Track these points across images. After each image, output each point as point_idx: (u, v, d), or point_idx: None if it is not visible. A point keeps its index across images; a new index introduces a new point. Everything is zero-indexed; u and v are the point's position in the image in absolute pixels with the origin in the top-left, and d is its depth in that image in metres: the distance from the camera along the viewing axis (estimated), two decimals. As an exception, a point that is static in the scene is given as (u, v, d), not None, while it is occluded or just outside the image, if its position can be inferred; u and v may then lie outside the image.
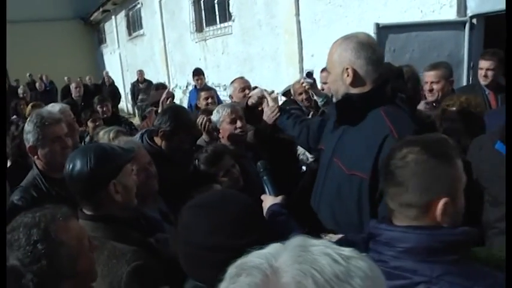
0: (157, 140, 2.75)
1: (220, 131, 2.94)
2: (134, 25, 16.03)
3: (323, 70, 4.35)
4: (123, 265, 1.47)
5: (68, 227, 1.31)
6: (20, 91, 8.07)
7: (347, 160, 1.91)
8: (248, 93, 3.83)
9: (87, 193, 1.65)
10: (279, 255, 0.65)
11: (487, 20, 4.52)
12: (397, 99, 2.02)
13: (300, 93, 4.31)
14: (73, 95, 7.92)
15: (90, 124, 4.93)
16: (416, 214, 1.26)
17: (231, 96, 4.24)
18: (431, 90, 3.39)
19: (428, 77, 3.42)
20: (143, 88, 10.67)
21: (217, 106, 3.08)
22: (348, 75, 1.88)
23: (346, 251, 0.66)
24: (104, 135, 3.36)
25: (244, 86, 4.06)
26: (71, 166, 1.65)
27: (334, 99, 2.12)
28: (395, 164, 1.28)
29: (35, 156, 2.43)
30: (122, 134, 3.26)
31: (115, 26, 17.95)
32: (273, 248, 0.68)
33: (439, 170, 1.25)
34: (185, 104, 8.15)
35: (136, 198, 1.81)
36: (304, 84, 3.62)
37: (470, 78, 4.57)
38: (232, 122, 2.88)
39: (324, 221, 2.03)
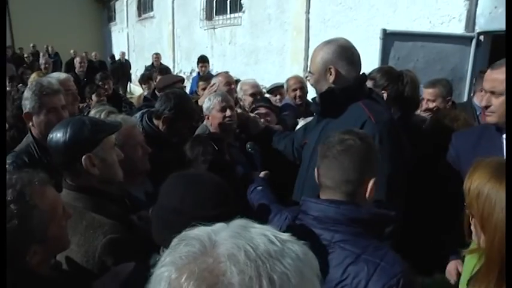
0: (157, 122, 2.76)
1: (210, 118, 2.96)
2: (145, 6, 16.00)
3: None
4: (99, 236, 1.50)
5: (43, 192, 1.33)
6: (42, 61, 8.03)
7: None
8: (232, 88, 4.07)
9: (64, 164, 1.68)
10: (220, 231, 0.70)
11: (494, 38, 4.52)
12: (373, 94, 2.24)
13: (294, 89, 4.33)
14: (76, 70, 7.91)
15: (94, 98, 4.95)
16: (352, 189, 1.48)
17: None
18: (427, 109, 3.37)
19: (426, 94, 3.41)
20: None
21: (209, 95, 3.10)
22: (330, 74, 2.12)
23: (284, 235, 0.72)
24: (96, 115, 3.38)
25: (229, 80, 4.17)
26: (51, 137, 1.69)
27: (316, 100, 2.31)
28: (337, 148, 1.49)
29: (30, 123, 2.45)
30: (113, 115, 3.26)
31: (126, 5, 17.90)
32: (216, 225, 0.73)
33: (371, 155, 1.52)
34: (187, 90, 8.17)
35: (126, 175, 1.83)
36: (308, 79, 3.67)
37: (471, 95, 4.57)
38: (222, 110, 2.89)
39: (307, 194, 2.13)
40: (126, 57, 15.47)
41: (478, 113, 3.56)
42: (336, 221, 1.44)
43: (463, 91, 4.54)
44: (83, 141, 1.66)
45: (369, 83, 2.67)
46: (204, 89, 4.65)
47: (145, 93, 6.30)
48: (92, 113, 3.45)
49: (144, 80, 6.83)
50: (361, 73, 2.20)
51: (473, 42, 4.44)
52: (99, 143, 1.69)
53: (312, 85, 2.29)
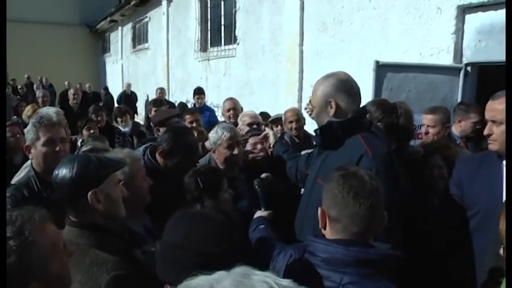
0: (158, 157, 2.79)
1: (216, 152, 2.98)
2: (140, 38, 16.25)
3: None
4: (103, 273, 1.50)
5: (43, 228, 1.33)
6: (39, 94, 8.08)
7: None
8: (233, 113, 4.61)
9: (69, 200, 1.70)
10: (221, 279, 0.72)
11: (481, 68, 4.69)
12: (373, 127, 2.27)
13: (291, 122, 4.46)
14: (70, 101, 7.98)
15: (85, 132, 4.99)
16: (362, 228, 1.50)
17: (223, 114, 4.81)
18: (426, 133, 3.49)
19: (426, 120, 3.52)
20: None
21: (216, 126, 3.12)
22: (331, 107, 2.17)
23: (285, 281, 0.73)
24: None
25: (230, 107, 4.75)
26: (56, 173, 1.71)
27: (317, 131, 2.34)
28: (349, 191, 1.51)
29: (30, 156, 2.48)
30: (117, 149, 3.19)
31: (120, 37, 18.18)
32: (218, 273, 0.74)
33: (380, 195, 1.54)
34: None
35: (128, 209, 1.85)
36: (307, 111, 3.79)
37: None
38: (230, 147, 2.90)
39: (308, 228, 2.15)
40: (121, 88, 15.60)
41: (457, 142, 3.71)
42: (344, 262, 1.45)
43: (453, 120, 4.66)
44: (90, 177, 1.68)
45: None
46: (191, 122, 4.69)
47: (124, 129, 6.23)
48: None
49: (121, 113, 6.56)
50: (361, 106, 2.26)
51: (461, 73, 4.58)
52: (105, 179, 1.72)
53: (312, 118, 2.36)
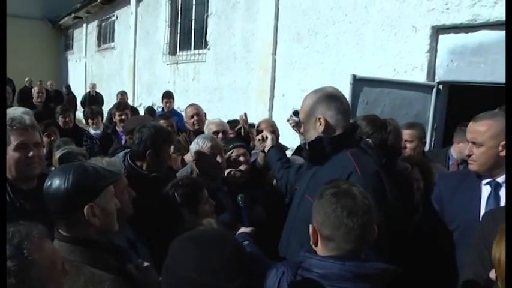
0: (140, 163, 2.73)
1: (197, 163, 2.95)
2: (105, 37, 15.89)
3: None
4: None
5: (43, 246, 1.26)
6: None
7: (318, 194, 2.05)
8: (197, 119, 4.56)
9: (62, 213, 1.59)
10: None
11: (452, 87, 4.84)
12: (362, 143, 2.27)
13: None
14: (34, 100, 7.67)
15: (45, 139, 4.62)
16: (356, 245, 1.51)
17: (185, 122, 4.77)
18: (404, 148, 3.53)
19: (404, 135, 3.56)
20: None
21: (197, 137, 3.08)
22: (320, 124, 2.14)
23: None
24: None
25: (193, 113, 4.69)
26: (49, 183, 1.59)
27: (306, 146, 2.33)
28: (342, 211, 1.50)
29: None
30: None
31: (85, 35, 17.71)
32: None
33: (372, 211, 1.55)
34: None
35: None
36: (290, 122, 3.74)
37: (433, 139, 4.82)
38: (212, 157, 2.89)
39: (293, 253, 2.12)
40: (83, 87, 15.18)
41: (450, 163, 3.78)
42: (342, 277, 1.45)
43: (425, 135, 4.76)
44: (87, 189, 1.58)
45: None
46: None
47: (95, 131, 6.03)
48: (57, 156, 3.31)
49: (93, 115, 6.30)
50: (350, 121, 2.24)
51: (434, 90, 4.71)
52: (102, 191, 1.63)
53: (294, 129, 2.29)
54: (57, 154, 3.29)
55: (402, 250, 2.21)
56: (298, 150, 4.06)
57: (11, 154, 2.23)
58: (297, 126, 3.63)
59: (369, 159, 2.15)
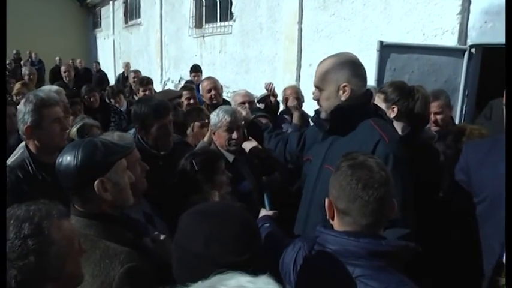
0: (145, 137, 2.78)
1: (216, 134, 2.99)
2: (132, 13, 15.95)
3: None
4: (116, 266, 1.46)
5: (62, 226, 1.28)
6: (25, 71, 7.86)
7: None
8: (215, 94, 4.40)
9: (75, 189, 1.63)
10: None
11: (485, 51, 4.64)
12: (380, 111, 2.24)
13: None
14: (64, 79, 7.86)
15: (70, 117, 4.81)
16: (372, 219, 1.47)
17: (202, 96, 4.62)
18: (435, 122, 3.39)
19: (432, 107, 3.45)
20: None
21: (218, 108, 3.09)
22: (344, 92, 2.06)
23: (261, 280, 0.75)
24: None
25: (210, 87, 4.47)
26: (60, 160, 1.63)
27: (322, 116, 2.22)
28: (358, 182, 1.46)
29: (31, 139, 2.41)
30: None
31: (112, 12, 17.81)
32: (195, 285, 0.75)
33: (391, 184, 1.50)
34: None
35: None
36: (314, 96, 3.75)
37: (465, 106, 4.69)
38: (229, 131, 2.92)
39: (314, 227, 2.11)
40: (112, 64, 15.27)
41: None
42: (356, 254, 1.42)
43: (456, 103, 4.62)
44: (96, 164, 1.61)
45: (380, 97, 2.70)
46: (188, 99, 4.66)
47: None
48: (73, 130, 3.42)
49: (114, 94, 6.50)
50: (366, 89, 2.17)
51: (466, 54, 4.53)
52: (112, 166, 1.65)
53: (317, 101, 2.22)
54: (73, 129, 3.39)
55: (427, 222, 2.19)
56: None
57: (46, 130, 2.38)
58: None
59: (391, 128, 2.13)
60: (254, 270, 0.84)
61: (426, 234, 2.02)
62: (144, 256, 1.58)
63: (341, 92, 2.07)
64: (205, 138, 3.20)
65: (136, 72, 8.12)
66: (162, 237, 1.83)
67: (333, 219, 1.56)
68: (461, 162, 2.48)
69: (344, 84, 2.05)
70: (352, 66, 2.08)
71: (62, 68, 8.24)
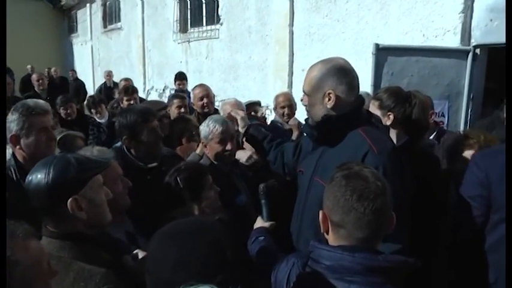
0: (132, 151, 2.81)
1: (207, 147, 3.00)
2: (111, 17, 15.97)
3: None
4: None
5: (27, 246, 1.28)
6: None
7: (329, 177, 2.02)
8: (207, 102, 4.44)
9: (46, 209, 1.62)
10: None
11: (491, 51, 4.70)
12: (372, 118, 2.25)
13: (283, 107, 4.48)
14: (35, 88, 7.84)
15: None
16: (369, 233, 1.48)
17: (192, 104, 4.67)
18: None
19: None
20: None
21: (208, 118, 3.10)
22: (329, 100, 2.10)
23: None
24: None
25: (203, 94, 4.51)
26: (30, 178, 1.63)
27: (309, 122, 2.28)
28: (353, 194, 1.47)
29: (17, 147, 2.51)
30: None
31: (89, 15, 17.82)
32: None
33: (388, 195, 1.52)
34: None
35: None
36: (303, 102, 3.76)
37: (470, 111, 4.73)
38: (222, 142, 2.93)
39: (306, 242, 2.12)
40: (91, 72, 15.19)
41: None
42: (351, 270, 1.43)
43: (461, 107, 4.67)
44: (69, 182, 1.60)
45: (375, 104, 2.73)
46: (179, 107, 4.65)
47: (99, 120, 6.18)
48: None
49: (96, 103, 6.56)
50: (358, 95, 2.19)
51: (470, 55, 4.58)
52: (87, 182, 1.65)
53: (305, 106, 2.27)
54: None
55: (425, 238, 2.20)
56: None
57: (32, 139, 2.50)
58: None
59: (382, 136, 2.14)
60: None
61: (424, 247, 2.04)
62: (124, 276, 1.58)
63: (326, 99, 2.10)
64: (198, 150, 3.21)
65: (127, 80, 8.11)
66: (141, 254, 1.83)
67: (327, 233, 1.58)
68: (478, 174, 2.43)
69: (329, 91, 2.09)
70: (339, 73, 2.10)
71: (34, 77, 8.24)
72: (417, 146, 2.70)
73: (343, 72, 2.11)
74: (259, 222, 2.37)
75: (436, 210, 2.55)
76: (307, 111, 2.28)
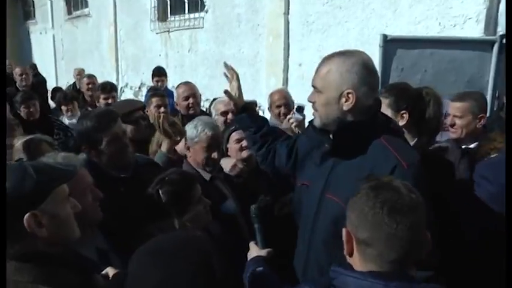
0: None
1: (191, 150, 3.03)
2: (77, 1, 15.86)
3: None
4: None
5: None
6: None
7: (346, 194, 1.98)
8: (193, 102, 4.54)
9: None
10: None
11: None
12: (392, 124, 2.23)
13: (278, 106, 4.50)
14: (17, 84, 7.89)
15: None
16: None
17: (176, 104, 4.74)
18: (452, 125, 3.37)
19: (452, 109, 3.44)
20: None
21: (196, 119, 3.13)
22: (346, 101, 2.04)
23: None
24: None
25: (188, 94, 4.61)
26: None
27: (316, 123, 2.21)
28: (385, 211, 1.44)
29: None
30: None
31: (49, -1, 17.65)
32: None
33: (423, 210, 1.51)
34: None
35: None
36: (291, 121, 3.77)
37: (494, 110, 4.70)
38: (209, 148, 2.96)
39: (316, 267, 2.14)
40: (53, 67, 15.03)
41: None
42: None
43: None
44: (25, 195, 1.57)
45: (385, 102, 2.69)
46: (158, 106, 4.60)
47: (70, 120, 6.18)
48: (17, 144, 3.34)
49: (68, 100, 6.63)
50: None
51: (495, 47, 4.49)
52: (48, 195, 1.62)
53: (312, 104, 2.20)
54: (17, 144, 3.29)
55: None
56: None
57: None
58: (299, 126, 3.68)
59: (407, 146, 2.12)
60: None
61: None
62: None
63: (343, 99, 2.04)
64: (164, 148, 3.20)
65: (91, 77, 8.02)
66: (112, 272, 1.82)
67: (351, 255, 1.55)
68: (488, 188, 2.48)
69: (349, 91, 2.03)
70: (363, 71, 2.03)
71: (17, 70, 8.30)
72: (428, 150, 2.71)
73: (367, 71, 2.05)
74: (254, 251, 2.32)
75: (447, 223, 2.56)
76: (314, 109, 2.21)
